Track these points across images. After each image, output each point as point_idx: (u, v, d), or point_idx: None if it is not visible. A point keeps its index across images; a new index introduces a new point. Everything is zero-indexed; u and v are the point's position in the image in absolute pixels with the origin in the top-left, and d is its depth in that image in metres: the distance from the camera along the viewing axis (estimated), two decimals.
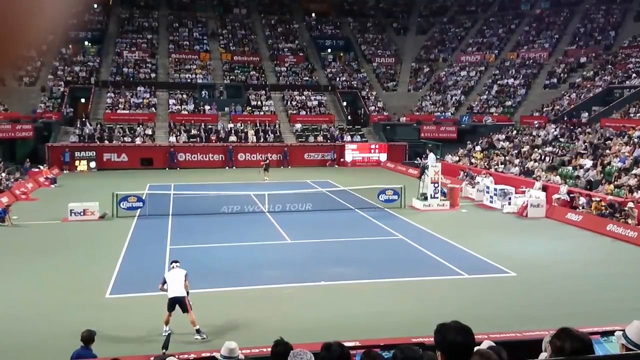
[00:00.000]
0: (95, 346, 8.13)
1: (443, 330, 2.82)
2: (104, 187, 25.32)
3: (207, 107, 41.28)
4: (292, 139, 39.78)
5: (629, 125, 28.05)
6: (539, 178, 25.19)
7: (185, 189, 26.54)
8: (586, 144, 27.59)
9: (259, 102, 42.62)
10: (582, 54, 41.77)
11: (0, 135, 33.91)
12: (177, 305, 10.13)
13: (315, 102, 43.68)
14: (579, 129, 30.71)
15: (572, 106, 35.51)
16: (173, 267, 10.61)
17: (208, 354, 7.85)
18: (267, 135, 39.14)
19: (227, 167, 36.21)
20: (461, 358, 2.75)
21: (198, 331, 10.06)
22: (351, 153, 38.69)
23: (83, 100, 41.29)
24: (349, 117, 43.54)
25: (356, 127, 41.96)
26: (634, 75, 35.36)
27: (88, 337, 8.02)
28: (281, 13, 53.64)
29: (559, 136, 30.88)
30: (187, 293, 10.21)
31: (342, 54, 51.12)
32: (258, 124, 40.07)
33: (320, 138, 39.66)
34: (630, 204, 19.12)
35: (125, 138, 36.88)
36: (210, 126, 39.16)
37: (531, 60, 44.19)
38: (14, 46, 1.80)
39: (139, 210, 21.46)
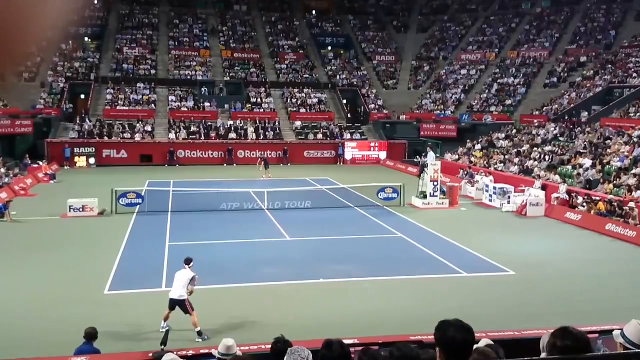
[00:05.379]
0: (94, 342, 8.13)
1: (443, 327, 2.82)
2: (103, 183, 25.33)
3: (206, 104, 41.25)
4: (291, 136, 39.75)
5: (629, 125, 28.07)
6: (538, 177, 25.20)
7: (185, 185, 26.54)
8: (585, 143, 27.61)
9: (259, 99, 42.58)
10: (582, 53, 41.77)
11: None
12: (177, 306, 10.10)
13: (315, 100, 43.64)
14: (579, 128, 30.72)
15: (572, 105, 35.53)
16: (184, 267, 10.48)
17: (206, 351, 7.85)
18: (266, 133, 39.13)
19: (226, 164, 36.20)
20: (461, 355, 2.75)
21: (199, 333, 9.95)
22: (350, 151, 38.69)
23: (82, 96, 41.28)
24: (349, 115, 43.59)
25: (356, 124, 41.94)
26: (634, 74, 35.36)
27: (91, 334, 8.02)
28: (281, 10, 53.61)
29: (558, 135, 30.89)
30: (190, 293, 10.07)
31: (342, 52, 51.06)
32: (258, 121, 40.03)
33: (320, 135, 39.65)
34: (631, 204, 19.08)
35: (124, 134, 36.85)
36: (209, 123, 39.12)
37: (531, 59, 44.17)
38: (18, 45, 1.80)
39: (138, 206, 21.45)
